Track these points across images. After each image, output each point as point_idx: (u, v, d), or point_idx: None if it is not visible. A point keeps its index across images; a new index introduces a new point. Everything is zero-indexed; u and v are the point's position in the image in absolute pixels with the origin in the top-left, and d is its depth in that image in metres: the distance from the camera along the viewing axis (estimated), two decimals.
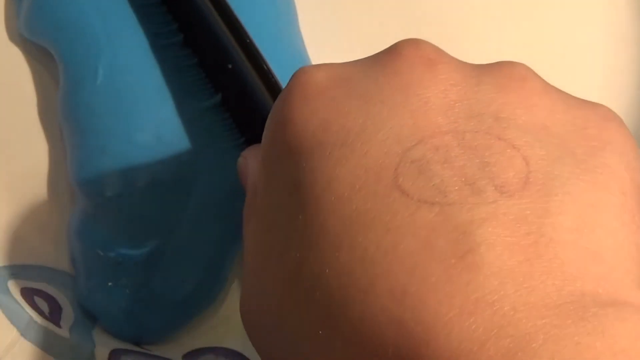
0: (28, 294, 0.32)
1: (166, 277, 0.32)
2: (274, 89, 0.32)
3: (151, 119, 0.34)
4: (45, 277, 0.34)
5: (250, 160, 0.27)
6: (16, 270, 0.34)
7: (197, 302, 0.33)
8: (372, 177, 0.20)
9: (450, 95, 0.21)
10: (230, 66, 0.33)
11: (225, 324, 0.33)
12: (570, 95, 0.23)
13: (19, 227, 0.35)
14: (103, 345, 0.31)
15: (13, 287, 0.32)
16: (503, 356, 0.17)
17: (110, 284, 0.32)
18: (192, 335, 0.33)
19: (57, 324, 0.31)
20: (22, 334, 0.30)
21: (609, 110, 0.23)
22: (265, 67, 0.32)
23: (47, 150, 0.36)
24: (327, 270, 0.19)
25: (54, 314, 0.32)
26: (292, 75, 0.23)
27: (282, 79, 0.32)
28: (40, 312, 0.31)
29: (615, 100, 0.36)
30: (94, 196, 0.33)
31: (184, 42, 0.35)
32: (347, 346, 0.19)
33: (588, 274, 0.18)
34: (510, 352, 0.17)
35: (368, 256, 0.19)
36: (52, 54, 0.36)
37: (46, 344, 0.30)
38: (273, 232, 0.21)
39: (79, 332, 0.31)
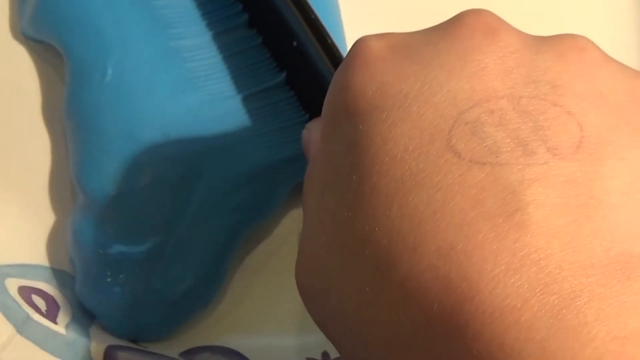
0: (26, 292, 0.32)
1: (165, 275, 0.32)
2: (338, 63, 0.32)
3: (158, 117, 0.34)
4: (44, 276, 0.34)
5: (313, 132, 0.27)
6: (14, 269, 0.33)
7: (195, 300, 0.33)
8: (426, 138, 0.20)
9: (508, 62, 0.21)
10: (295, 43, 0.34)
11: (223, 322, 0.33)
12: (630, 68, 0.23)
13: (18, 225, 0.35)
14: (99, 342, 0.31)
15: (10, 285, 0.32)
16: (547, 313, 0.17)
17: (109, 281, 0.32)
18: (190, 334, 0.33)
19: (54, 321, 0.31)
20: (18, 331, 0.30)
21: None
22: (329, 41, 0.32)
23: (49, 148, 0.36)
24: (377, 228, 0.20)
25: (50, 311, 0.32)
26: (353, 44, 0.23)
27: None
28: (37, 309, 0.31)
29: None
30: (95, 194, 0.33)
31: (249, 23, 0.36)
32: (394, 303, 0.19)
33: (636, 236, 0.18)
34: (555, 308, 0.17)
35: (418, 214, 0.19)
36: (57, 52, 0.36)
37: (42, 340, 0.30)
38: (328, 193, 0.22)
39: (75, 329, 0.31)
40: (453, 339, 0.18)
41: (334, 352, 0.32)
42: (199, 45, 0.35)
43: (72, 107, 0.34)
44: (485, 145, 0.19)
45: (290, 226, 0.35)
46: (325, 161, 0.23)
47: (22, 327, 0.30)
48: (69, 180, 0.35)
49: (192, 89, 0.34)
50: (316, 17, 0.33)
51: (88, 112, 0.34)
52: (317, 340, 0.32)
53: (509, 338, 0.17)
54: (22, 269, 0.34)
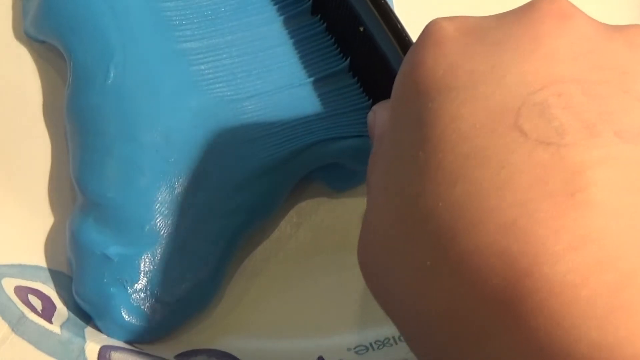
0: (22, 292, 0.32)
1: (163, 278, 0.32)
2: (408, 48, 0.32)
3: (160, 119, 0.34)
4: (42, 277, 0.34)
5: (379, 113, 0.28)
6: (12, 270, 0.33)
7: (192, 303, 0.33)
8: (493, 117, 0.21)
9: (579, 47, 0.22)
10: (361, 29, 0.34)
11: (219, 326, 0.33)
12: None
13: (17, 225, 0.35)
14: (94, 342, 0.31)
15: (7, 285, 0.32)
16: (607, 290, 0.17)
17: (106, 282, 0.32)
18: (186, 336, 0.33)
19: (49, 321, 0.31)
20: (13, 330, 0.30)
21: None
22: (399, 26, 0.32)
23: (50, 148, 0.36)
24: (440, 204, 0.20)
25: (46, 311, 0.32)
26: (425, 26, 0.24)
27: None
28: (32, 308, 0.31)
29: None
30: (95, 196, 0.33)
31: (313, 10, 0.36)
32: (453, 277, 0.20)
33: None
34: (615, 286, 0.17)
35: (481, 191, 0.20)
36: (59, 52, 0.36)
37: (37, 339, 0.30)
38: (395, 170, 0.23)
39: (70, 329, 0.31)
40: (511, 314, 0.18)
41: (329, 357, 0.32)
42: (207, 48, 0.35)
43: (73, 109, 0.34)
44: (552, 126, 0.20)
45: (288, 231, 0.35)
46: (393, 138, 0.23)
47: (17, 326, 0.30)
48: (69, 181, 0.34)
49: (195, 91, 0.34)
50: (385, 2, 0.33)
51: (89, 113, 0.34)
52: (313, 345, 0.32)
53: (568, 314, 0.17)
54: (20, 269, 0.34)
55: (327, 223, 0.36)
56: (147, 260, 0.32)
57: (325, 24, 0.36)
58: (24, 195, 0.35)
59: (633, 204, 0.19)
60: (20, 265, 0.34)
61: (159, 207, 0.33)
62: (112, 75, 0.34)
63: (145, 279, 0.32)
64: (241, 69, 0.35)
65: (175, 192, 0.33)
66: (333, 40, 0.36)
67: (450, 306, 0.20)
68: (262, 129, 0.34)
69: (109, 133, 0.34)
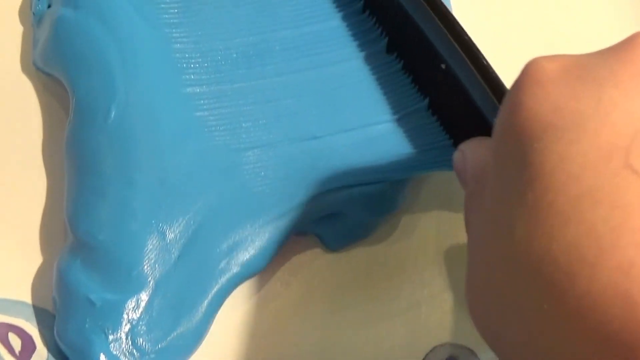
0: (3, 329, 0.32)
1: (146, 327, 0.32)
2: (495, 84, 0.32)
3: (157, 164, 0.33)
4: (25, 313, 0.33)
5: (469, 153, 0.28)
6: None
7: (174, 354, 0.32)
8: (603, 156, 0.21)
9: None
10: (443, 66, 0.33)
11: None
12: None
13: (6, 259, 0.34)
14: None
15: None
16: None
17: (87, 327, 0.32)
18: None
19: None
20: None
21: None
22: (485, 62, 0.32)
23: (47, 183, 0.36)
24: (554, 245, 0.20)
25: (25, 352, 0.31)
26: (525, 66, 0.24)
27: None
28: (10, 349, 0.31)
29: None
30: (86, 236, 0.33)
31: (388, 48, 0.36)
32: (571, 319, 0.20)
33: None
34: None
35: (596, 232, 0.20)
36: (64, 87, 0.35)
37: None
38: (501, 211, 0.23)
39: None
40: (633, 358, 0.18)
41: None
42: (213, 94, 0.35)
43: (72, 146, 0.34)
44: None
45: (277, 288, 0.35)
46: (497, 178, 0.24)
47: None
48: (63, 218, 0.34)
49: (197, 137, 0.34)
50: (469, 37, 0.33)
51: (87, 152, 0.34)
52: None
53: None
54: (4, 304, 0.33)
55: (319, 280, 0.35)
56: (131, 307, 0.32)
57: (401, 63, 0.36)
58: (17, 228, 0.35)
59: None
60: (5, 300, 0.33)
61: (148, 254, 0.32)
62: (113, 114, 0.33)
63: (127, 326, 0.31)
64: (247, 118, 0.35)
65: (167, 239, 0.32)
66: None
67: (569, 350, 0.20)
68: (262, 181, 0.34)
69: (105, 173, 0.33)
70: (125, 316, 0.32)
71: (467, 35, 0.33)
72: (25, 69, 0.37)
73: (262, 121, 0.35)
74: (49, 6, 0.37)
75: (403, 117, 0.35)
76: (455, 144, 0.32)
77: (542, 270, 0.20)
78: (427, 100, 0.35)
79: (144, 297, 0.32)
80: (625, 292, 0.19)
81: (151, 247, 0.32)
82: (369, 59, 0.36)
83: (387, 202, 0.35)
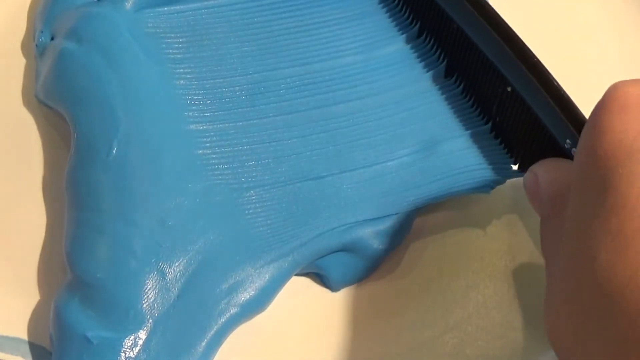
0: None
1: None
2: (567, 106, 0.32)
3: (158, 203, 0.33)
4: (22, 350, 0.33)
5: (544, 175, 0.28)
6: None
7: None
8: None
9: None
10: (509, 89, 0.33)
11: None
12: None
13: (3, 295, 0.34)
14: None
15: None
16: None
17: None
18: None
19: None
20: None
21: None
22: (555, 84, 0.32)
23: (46, 218, 0.36)
24: None
25: None
26: (608, 90, 0.24)
27: None
28: None
29: None
30: (84, 274, 0.32)
31: (447, 71, 0.36)
32: None
33: None
34: None
35: None
36: (65, 119, 0.35)
37: None
38: (584, 236, 0.22)
39: None
40: None
41: None
42: (216, 132, 0.35)
43: (72, 181, 0.34)
44: None
45: (278, 329, 0.34)
46: (578, 204, 0.24)
47: None
48: (61, 254, 0.34)
49: (199, 176, 0.34)
50: (538, 60, 0.33)
51: (87, 187, 0.33)
52: None
53: None
54: (0, 341, 0.33)
55: (320, 320, 0.35)
56: (128, 346, 0.31)
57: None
58: (15, 264, 0.35)
59: None
60: (1, 337, 0.33)
61: (146, 293, 0.32)
62: (114, 150, 0.33)
63: None
64: (249, 157, 0.34)
65: (166, 278, 0.32)
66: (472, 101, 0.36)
67: None
68: (263, 222, 0.34)
69: (105, 210, 0.33)
70: (122, 355, 0.31)
71: (534, 56, 0.33)
72: (27, 101, 0.37)
73: (265, 160, 0.34)
74: (52, 38, 0.37)
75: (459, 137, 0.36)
76: (520, 166, 0.34)
77: (626, 297, 0.20)
78: (489, 124, 0.36)
79: (142, 335, 0.31)
80: None
81: (150, 286, 0.32)
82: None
83: (397, 235, 0.35)
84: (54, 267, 0.34)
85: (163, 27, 0.37)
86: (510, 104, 0.34)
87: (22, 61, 0.38)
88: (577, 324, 0.23)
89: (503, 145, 0.35)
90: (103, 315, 0.32)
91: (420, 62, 0.38)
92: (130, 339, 0.31)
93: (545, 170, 0.29)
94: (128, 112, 0.34)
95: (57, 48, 0.36)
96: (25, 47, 0.38)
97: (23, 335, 0.33)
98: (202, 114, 0.35)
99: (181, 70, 0.35)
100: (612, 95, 0.24)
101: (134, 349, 0.31)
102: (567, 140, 0.31)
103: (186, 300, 0.32)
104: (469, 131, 0.36)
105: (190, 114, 0.35)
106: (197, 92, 0.35)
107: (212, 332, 0.32)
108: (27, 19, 0.39)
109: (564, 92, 0.32)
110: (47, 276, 0.35)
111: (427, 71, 0.37)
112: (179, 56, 0.36)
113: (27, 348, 0.33)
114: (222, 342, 0.33)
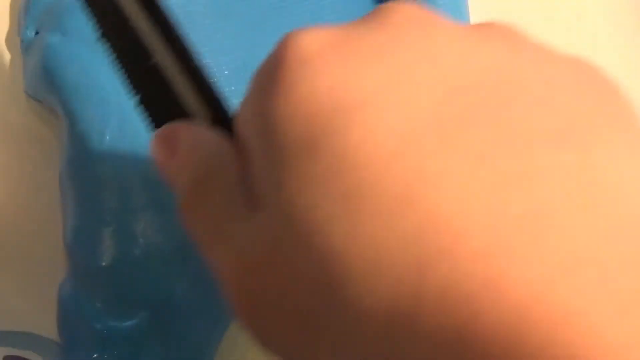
0: None
1: (154, 354, 0.31)
2: (204, 85, 0.28)
3: (156, 187, 0.33)
4: (31, 344, 0.33)
5: (184, 142, 0.23)
6: (2, 336, 0.33)
7: None
8: (413, 135, 0.18)
9: (459, 49, 0.19)
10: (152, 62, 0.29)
11: None
12: (559, 50, 0.21)
13: (7, 292, 0.34)
14: None
15: None
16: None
17: (95, 355, 0.31)
18: None
19: None
20: None
21: (582, 58, 0.21)
22: (195, 63, 0.28)
23: (42, 214, 0.36)
24: (391, 235, 0.17)
25: None
26: (279, 41, 0.20)
27: None
28: None
29: None
30: (87, 265, 0.32)
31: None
32: (427, 314, 0.17)
33: None
34: None
35: (442, 217, 0.17)
36: (56, 113, 0.35)
37: None
38: (302, 217, 0.18)
39: None
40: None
41: None
42: None
43: (68, 174, 0.34)
44: (483, 140, 0.18)
45: None
46: (279, 176, 0.19)
47: None
48: (61, 247, 0.34)
49: None
50: (181, 34, 0.29)
51: (84, 180, 0.33)
52: None
53: None
54: (10, 337, 0.33)
55: None
56: (138, 333, 0.32)
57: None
58: (16, 258, 0.35)
59: (599, 216, 0.17)
60: (11, 333, 0.33)
61: (150, 278, 0.32)
62: (108, 138, 0.33)
63: (135, 353, 0.31)
64: None
65: (168, 263, 0.32)
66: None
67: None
68: None
69: (104, 200, 0.33)
70: (132, 343, 0.32)
71: (178, 31, 0.29)
72: (16, 97, 0.37)
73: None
74: (37, 33, 0.37)
75: None
76: None
77: (381, 267, 0.17)
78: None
79: (150, 322, 0.32)
80: (488, 279, 0.16)
81: (153, 271, 0.32)
82: None
83: None
84: (57, 260, 0.35)
85: None
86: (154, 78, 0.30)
87: (8, 57, 0.38)
88: (302, 320, 0.19)
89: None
90: (109, 305, 0.32)
91: None
92: (139, 325, 0.32)
93: (187, 135, 0.23)
94: (119, 99, 0.34)
95: (42, 42, 0.35)
96: (10, 42, 0.38)
97: (32, 329, 0.34)
98: None
99: None
100: (285, 49, 0.20)
101: (144, 335, 0.32)
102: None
103: (190, 284, 0.32)
104: None
105: None
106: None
107: (216, 314, 0.33)
108: (10, 15, 0.39)
109: (205, 72, 0.28)
110: (50, 270, 0.35)
111: None
112: None
113: (37, 342, 0.33)
114: (227, 325, 0.33)
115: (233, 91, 0.35)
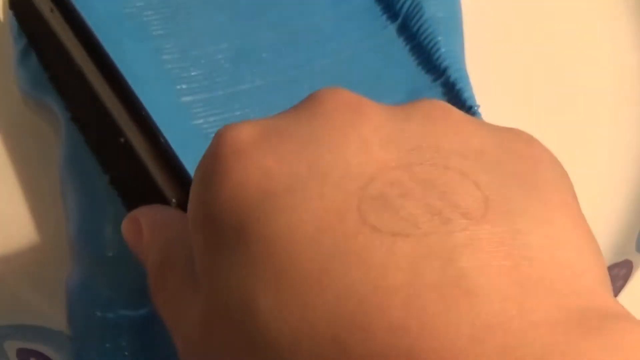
0: (24, 355, 0.32)
1: (165, 342, 0.32)
2: (172, 163, 0.30)
3: None
4: (42, 337, 0.33)
5: (148, 223, 0.26)
6: (13, 331, 0.33)
7: None
8: (335, 217, 0.19)
9: (385, 132, 0.21)
10: (122, 140, 0.31)
11: None
12: (487, 122, 0.23)
13: (16, 285, 0.34)
14: None
15: (9, 348, 0.32)
16: None
17: (107, 345, 0.32)
18: None
19: None
20: None
21: (524, 131, 0.23)
22: (162, 140, 0.30)
23: (46, 206, 0.36)
24: (309, 314, 0.18)
25: None
26: (215, 136, 0.22)
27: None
28: None
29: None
30: (94, 255, 0.33)
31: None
32: None
33: (575, 288, 0.18)
34: None
35: (357, 293, 0.18)
36: (52, 110, 0.35)
37: None
38: (233, 295, 0.20)
39: None
40: None
41: None
42: (205, 102, 0.35)
43: (69, 168, 0.34)
44: (401, 218, 0.19)
45: None
46: (214, 257, 0.21)
47: None
48: (67, 240, 0.34)
49: (195, 146, 0.34)
50: (147, 113, 0.30)
51: (86, 173, 0.34)
52: None
53: None
54: (21, 330, 0.33)
55: None
56: (149, 322, 0.32)
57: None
58: (22, 252, 0.35)
59: (514, 283, 0.18)
60: (21, 326, 0.33)
61: None
62: None
63: (147, 342, 0.32)
64: None
65: None
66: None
67: None
68: None
69: (107, 190, 0.33)
70: (144, 332, 0.32)
71: (145, 110, 0.31)
72: (11, 94, 0.37)
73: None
74: None
75: None
76: None
77: (301, 343, 0.18)
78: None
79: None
80: (407, 351, 0.17)
81: None
82: None
83: None
84: (63, 254, 0.35)
85: (140, 6, 0.37)
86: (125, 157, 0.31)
87: (5, 55, 0.38)
88: None
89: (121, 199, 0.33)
90: (118, 294, 0.32)
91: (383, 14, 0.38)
92: (150, 314, 0.32)
93: (152, 217, 0.26)
94: None
95: None
96: (6, 40, 0.38)
97: (42, 322, 0.34)
98: (191, 85, 0.35)
99: (165, 45, 0.36)
100: (221, 141, 0.21)
101: (155, 324, 0.32)
102: (173, 200, 0.29)
103: None
104: None
105: (181, 87, 0.35)
106: (183, 65, 0.36)
107: None
108: (1, 13, 0.39)
109: (171, 149, 0.30)
110: (57, 264, 0.35)
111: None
112: (160, 32, 0.36)
113: (47, 334, 0.33)
114: None
115: (226, 81, 0.36)
